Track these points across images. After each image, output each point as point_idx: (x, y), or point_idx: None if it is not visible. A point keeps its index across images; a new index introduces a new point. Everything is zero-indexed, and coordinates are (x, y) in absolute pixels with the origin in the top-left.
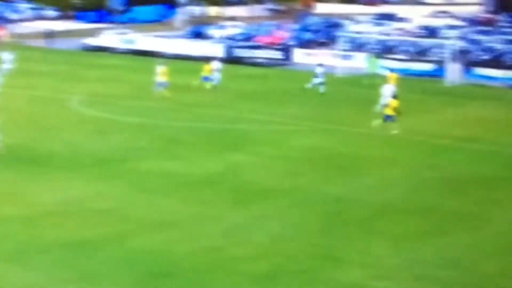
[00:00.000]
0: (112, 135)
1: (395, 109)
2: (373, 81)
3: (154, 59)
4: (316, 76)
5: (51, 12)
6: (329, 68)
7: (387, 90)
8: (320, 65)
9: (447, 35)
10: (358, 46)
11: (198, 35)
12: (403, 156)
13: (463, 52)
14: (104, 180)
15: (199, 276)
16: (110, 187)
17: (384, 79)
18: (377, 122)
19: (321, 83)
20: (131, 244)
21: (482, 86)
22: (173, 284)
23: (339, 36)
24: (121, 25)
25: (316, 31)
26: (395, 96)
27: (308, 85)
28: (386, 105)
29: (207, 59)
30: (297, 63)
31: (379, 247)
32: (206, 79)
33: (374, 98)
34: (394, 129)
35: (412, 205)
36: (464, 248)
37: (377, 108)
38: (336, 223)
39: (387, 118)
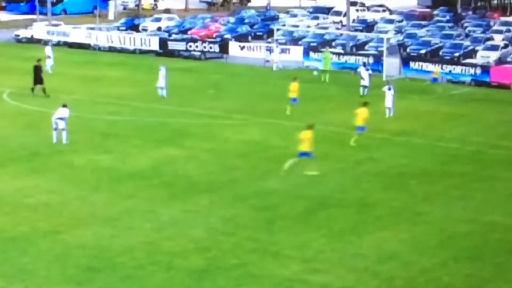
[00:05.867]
0: (44, 129)
1: None
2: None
3: (88, 51)
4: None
5: None
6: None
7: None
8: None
9: (384, 29)
10: (294, 39)
11: (132, 27)
12: (339, 150)
13: (400, 46)
14: (36, 174)
15: (133, 272)
16: (42, 181)
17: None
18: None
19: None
20: (64, 239)
21: (418, 80)
22: (107, 280)
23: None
24: (53, 17)
25: (252, 24)
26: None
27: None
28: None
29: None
30: (233, 56)
31: (317, 241)
32: (295, 100)
33: (312, 92)
34: None
35: (350, 199)
36: (403, 242)
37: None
38: (274, 218)
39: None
